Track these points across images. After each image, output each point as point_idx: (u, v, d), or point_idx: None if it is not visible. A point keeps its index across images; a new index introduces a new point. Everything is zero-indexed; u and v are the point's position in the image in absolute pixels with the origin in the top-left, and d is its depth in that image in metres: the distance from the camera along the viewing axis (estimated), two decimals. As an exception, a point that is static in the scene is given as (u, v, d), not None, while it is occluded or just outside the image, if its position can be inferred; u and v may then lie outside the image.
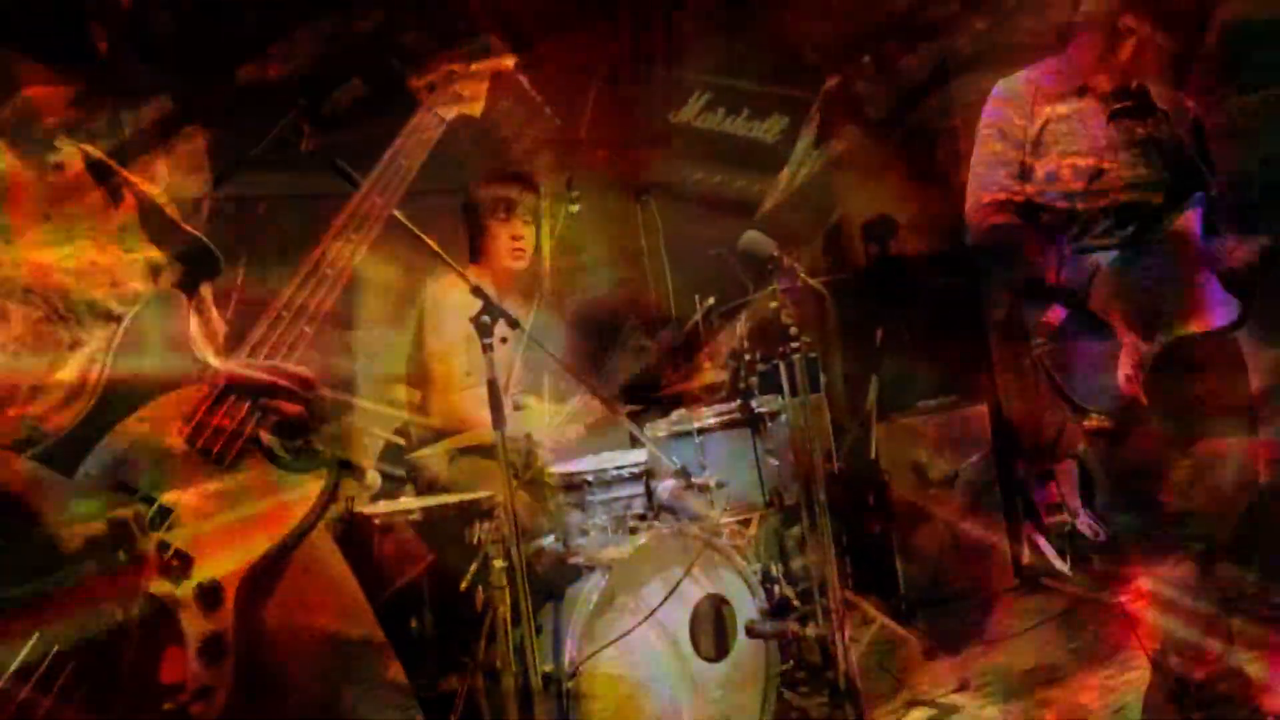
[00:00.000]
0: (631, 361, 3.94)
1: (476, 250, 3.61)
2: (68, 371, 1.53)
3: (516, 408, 3.09)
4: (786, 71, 4.71)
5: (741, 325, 3.68)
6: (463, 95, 1.98)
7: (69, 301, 1.56)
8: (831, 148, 4.84)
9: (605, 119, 4.44)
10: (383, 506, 3.03)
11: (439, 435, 3.38)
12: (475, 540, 2.88)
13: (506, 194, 3.56)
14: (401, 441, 3.45)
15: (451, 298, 3.39)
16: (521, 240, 3.58)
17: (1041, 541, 4.34)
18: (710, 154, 4.69)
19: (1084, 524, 3.97)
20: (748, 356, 3.60)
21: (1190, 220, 2.64)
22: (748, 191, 4.77)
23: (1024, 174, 2.70)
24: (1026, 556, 4.47)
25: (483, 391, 2.57)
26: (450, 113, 1.97)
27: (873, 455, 4.35)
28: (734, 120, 4.68)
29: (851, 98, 4.78)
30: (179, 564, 1.51)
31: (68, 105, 1.64)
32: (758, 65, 4.62)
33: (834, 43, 4.71)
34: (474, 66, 2.00)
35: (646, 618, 2.90)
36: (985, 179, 2.75)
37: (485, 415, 2.61)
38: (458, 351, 3.42)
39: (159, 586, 1.49)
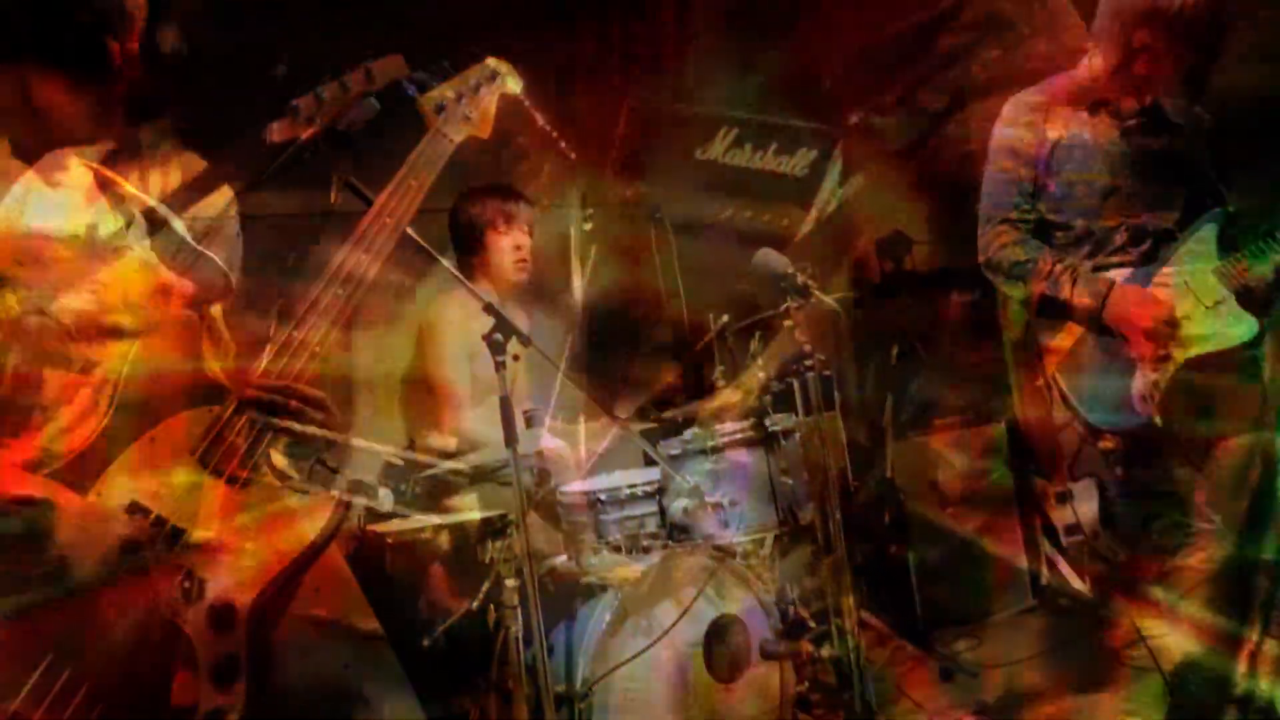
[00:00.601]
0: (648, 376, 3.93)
1: (469, 267, 3.55)
2: (81, 391, 1.54)
3: (529, 425, 3.08)
4: (812, 105, 4.71)
5: (756, 343, 3.66)
6: (470, 118, 2.00)
7: (81, 322, 1.57)
8: (856, 182, 4.84)
9: (632, 157, 4.44)
10: (396, 525, 3.03)
11: (445, 456, 3.37)
12: (488, 559, 2.87)
13: (504, 207, 3.55)
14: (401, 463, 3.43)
15: (451, 314, 3.39)
16: (523, 250, 3.56)
17: (1060, 561, 4.30)
18: (738, 189, 4.68)
19: (1103, 544, 3.93)
20: (762, 374, 3.59)
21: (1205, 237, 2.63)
22: (776, 225, 4.76)
23: (1036, 192, 2.69)
24: (1045, 576, 4.42)
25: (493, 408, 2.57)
26: (459, 135, 1.99)
27: (889, 474, 4.32)
28: (762, 155, 4.67)
29: (873, 131, 4.78)
30: (191, 585, 1.51)
31: (86, 126, 1.65)
32: (783, 100, 4.62)
33: (855, 76, 4.71)
34: (482, 90, 2.02)
35: (659, 638, 2.89)
36: (996, 198, 2.74)
37: (494, 434, 2.60)
38: (461, 370, 3.41)
39: (171, 608, 1.49)
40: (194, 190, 1.81)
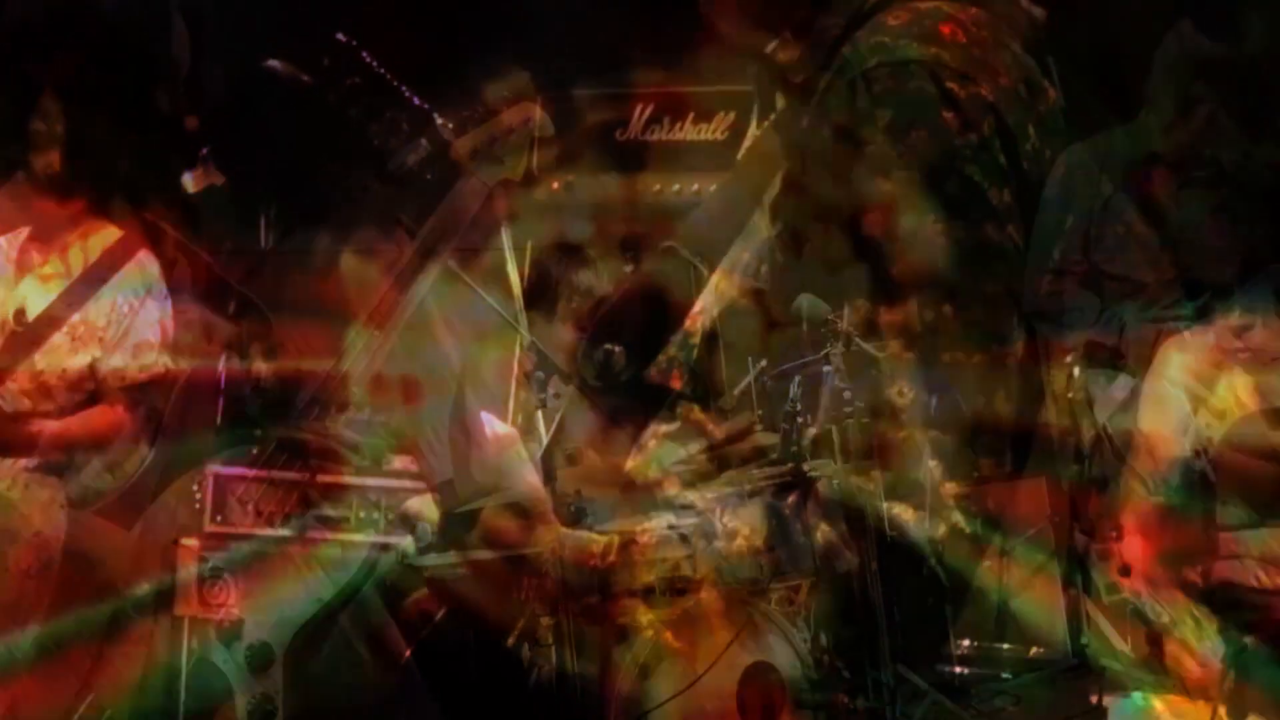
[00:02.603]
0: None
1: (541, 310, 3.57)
2: (124, 430, 1.55)
3: (572, 462, 3.08)
4: (721, 67, 4.64)
5: (795, 388, 3.64)
6: (504, 160, 2.03)
7: (125, 362, 1.58)
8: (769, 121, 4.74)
9: (550, 150, 4.35)
10: (432, 560, 3.02)
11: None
12: (522, 597, 2.86)
13: (585, 281, 3.58)
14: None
15: (492, 353, 3.40)
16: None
17: (1102, 619, 4.22)
18: (662, 164, 4.61)
19: (1146, 602, 3.86)
20: (800, 419, 3.56)
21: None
22: (704, 194, 4.70)
23: (1090, 244, 2.67)
24: (1086, 635, 4.34)
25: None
26: (494, 177, 2.01)
27: (927, 525, 4.26)
28: (681, 127, 4.63)
29: (776, 69, 4.67)
30: (230, 625, 1.51)
31: (135, 172, 1.68)
32: (691, 68, 4.56)
33: (753, 25, 4.59)
34: (515, 134, 2.04)
35: (693, 683, 2.86)
36: (1047, 247, 2.72)
37: (527, 472, 2.61)
38: (500, 407, 3.41)
39: (210, 648, 1.48)
40: (115, 260, 1.81)
